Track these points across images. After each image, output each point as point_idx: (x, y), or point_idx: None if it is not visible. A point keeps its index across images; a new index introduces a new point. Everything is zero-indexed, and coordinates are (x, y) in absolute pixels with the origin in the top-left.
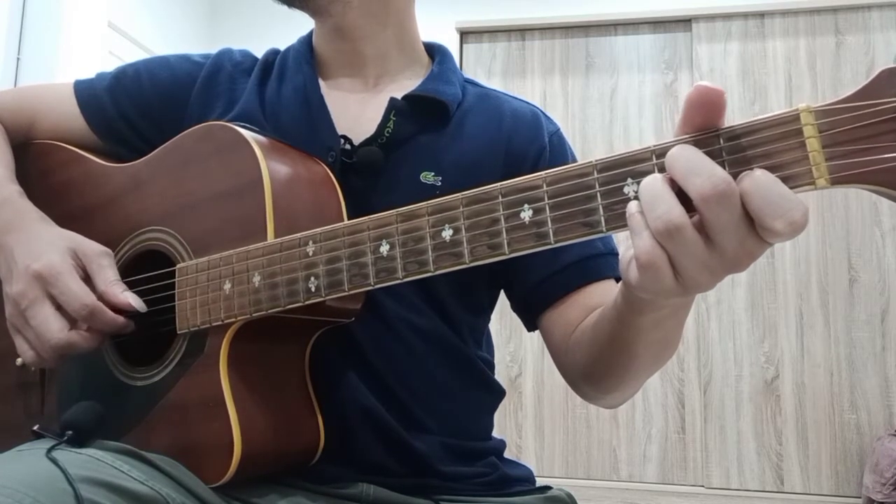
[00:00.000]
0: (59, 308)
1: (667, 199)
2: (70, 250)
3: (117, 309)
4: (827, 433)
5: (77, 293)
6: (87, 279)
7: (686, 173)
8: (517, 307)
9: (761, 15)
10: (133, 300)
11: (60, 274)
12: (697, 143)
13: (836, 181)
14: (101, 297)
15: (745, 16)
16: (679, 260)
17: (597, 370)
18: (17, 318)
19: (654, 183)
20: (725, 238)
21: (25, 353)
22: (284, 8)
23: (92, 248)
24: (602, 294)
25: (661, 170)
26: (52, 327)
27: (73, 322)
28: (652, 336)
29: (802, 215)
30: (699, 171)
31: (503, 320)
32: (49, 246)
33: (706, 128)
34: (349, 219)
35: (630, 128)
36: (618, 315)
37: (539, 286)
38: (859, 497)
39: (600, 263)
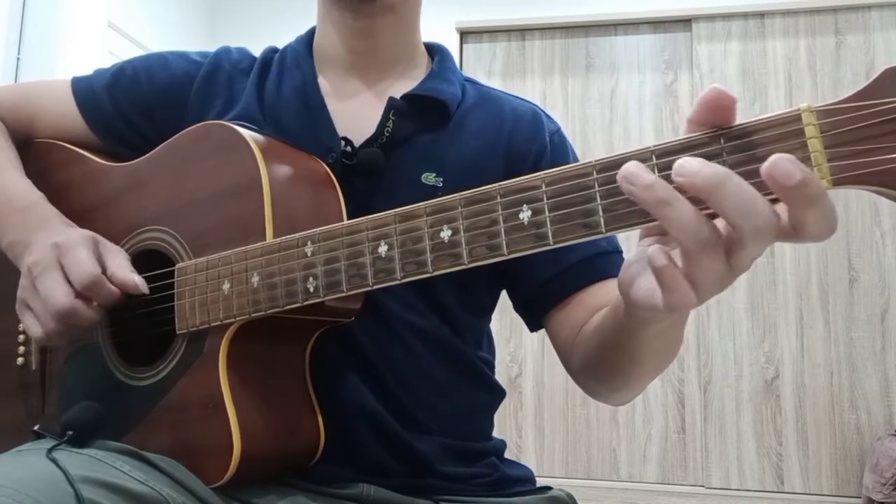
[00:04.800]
0: (67, 278)
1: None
2: (92, 239)
3: (121, 287)
4: (827, 433)
5: (85, 262)
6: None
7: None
8: (520, 307)
9: (761, 15)
10: (138, 280)
11: (77, 246)
12: (700, 143)
13: (837, 182)
14: (110, 277)
15: (745, 16)
16: (700, 277)
17: (603, 372)
18: (28, 289)
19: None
20: (747, 250)
21: (31, 327)
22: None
23: (112, 244)
24: (607, 293)
25: (661, 169)
26: (59, 292)
27: (77, 293)
28: (656, 344)
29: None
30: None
31: (503, 320)
32: (73, 232)
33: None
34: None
35: (630, 128)
36: (621, 329)
37: (544, 286)
38: (859, 497)
39: (605, 262)
